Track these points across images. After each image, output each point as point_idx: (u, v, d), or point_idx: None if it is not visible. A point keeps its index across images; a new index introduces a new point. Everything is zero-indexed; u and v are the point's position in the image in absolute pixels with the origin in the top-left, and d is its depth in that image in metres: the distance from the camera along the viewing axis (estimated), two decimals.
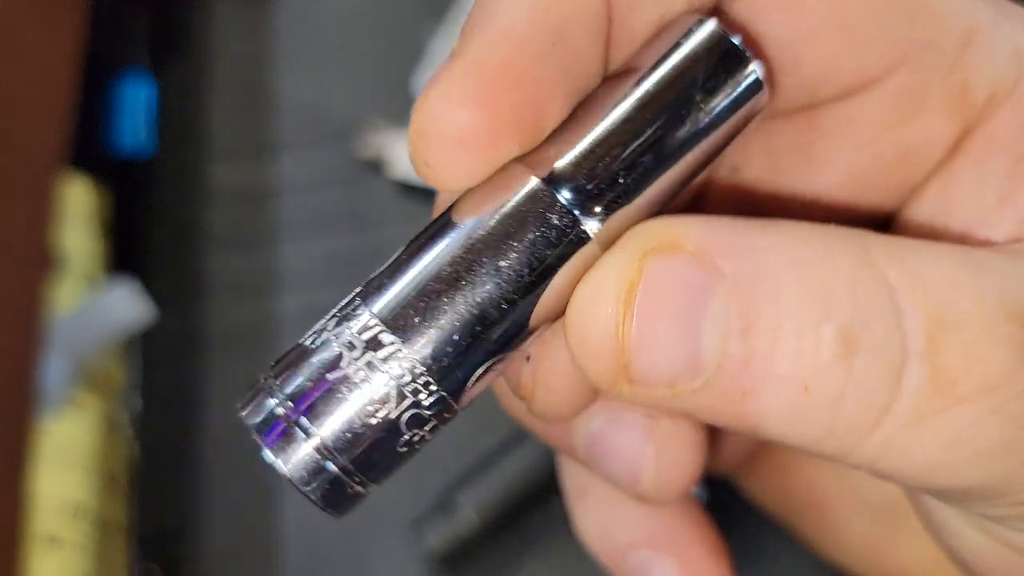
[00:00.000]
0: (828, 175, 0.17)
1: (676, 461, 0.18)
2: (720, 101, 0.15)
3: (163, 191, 0.52)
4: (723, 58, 0.15)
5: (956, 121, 0.16)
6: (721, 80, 0.15)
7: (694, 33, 0.15)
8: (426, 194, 0.50)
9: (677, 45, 0.15)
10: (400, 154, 0.50)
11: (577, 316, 0.14)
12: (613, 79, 0.16)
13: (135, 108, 0.52)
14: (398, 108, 0.51)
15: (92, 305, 0.44)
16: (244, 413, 0.16)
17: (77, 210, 0.46)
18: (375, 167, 0.51)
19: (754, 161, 0.18)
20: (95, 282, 0.46)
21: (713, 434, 0.21)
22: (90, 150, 0.49)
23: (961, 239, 0.16)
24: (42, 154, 0.42)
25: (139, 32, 0.54)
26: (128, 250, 0.49)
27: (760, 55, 0.16)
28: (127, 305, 0.45)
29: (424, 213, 0.51)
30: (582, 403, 0.17)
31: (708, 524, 0.19)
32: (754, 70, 0.16)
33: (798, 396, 0.13)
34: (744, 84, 0.16)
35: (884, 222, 0.18)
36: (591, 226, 0.15)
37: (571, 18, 0.15)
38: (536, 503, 0.43)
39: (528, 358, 0.17)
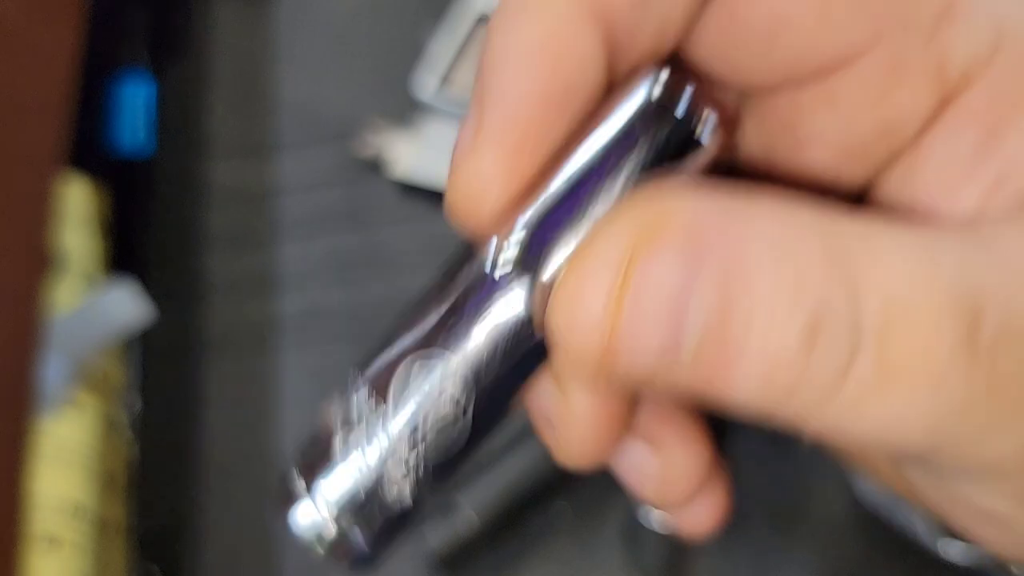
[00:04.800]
0: (813, 151, 0.17)
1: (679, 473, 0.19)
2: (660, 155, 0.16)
3: (163, 191, 0.52)
4: (658, 115, 0.16)
5: (933, 95, 0.16)
6: (663, 141, 0.16)
7: (644, 85, 0.16)
8: (426, 194, 0.50)
9: (627, 101, 0.16)
10: (400, 154, 0.50)
11: (566, 298, 0.15)
12: (574, 138, 0.16)
13: (135, 108, 0.52)
14: (398, 108, 0.51)
15: (91, 305, 0.44)
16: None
17: (76, 210, 0.46)
18: (375, 167, 0.51)
19: (749, 140, 0.18)
20: (94, 282, 0.46)
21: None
22: (90, 150, 0.49)
23: (928, 212, 0.17)
24: (41, 154, 0.42)
25: (139, 32, 0.54)
26: (128, 250, 0.49)
27: (716, 105, 0.16)
28: (126, 305, 0.44)
29: (424, 213, 0.51)
30: (609, 445, 0.18)
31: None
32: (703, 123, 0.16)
33: (765, 378, 0.14)
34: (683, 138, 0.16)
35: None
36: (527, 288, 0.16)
37: (577, 73, 0.16)
38: (536, 503, 0.43)
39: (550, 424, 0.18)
